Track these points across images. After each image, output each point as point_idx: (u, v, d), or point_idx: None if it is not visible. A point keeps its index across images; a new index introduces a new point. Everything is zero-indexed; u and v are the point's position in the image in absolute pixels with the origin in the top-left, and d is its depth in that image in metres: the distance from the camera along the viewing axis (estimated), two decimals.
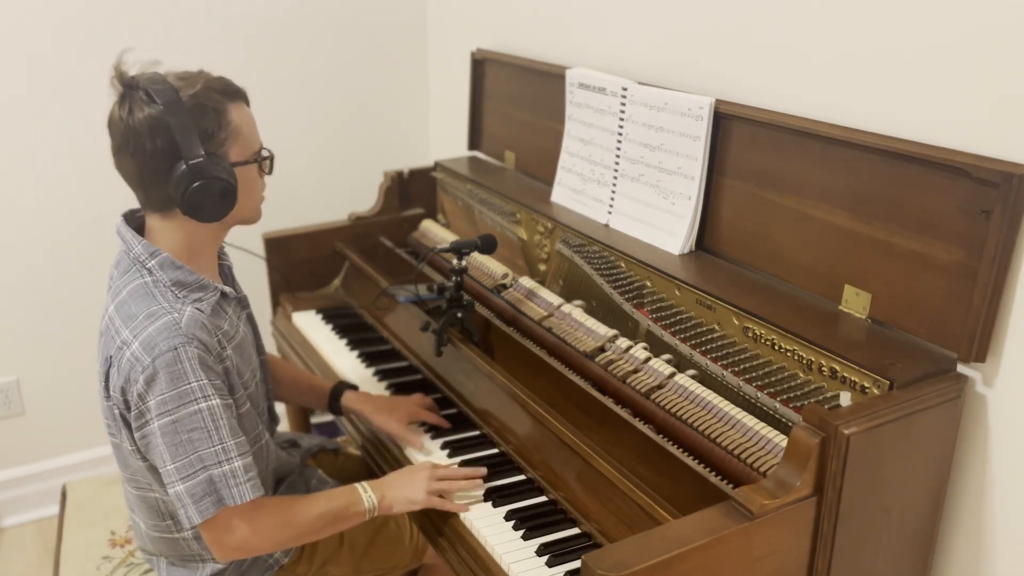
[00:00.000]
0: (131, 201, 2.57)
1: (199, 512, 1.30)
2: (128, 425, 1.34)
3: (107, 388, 1.35)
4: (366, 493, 1.47)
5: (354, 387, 1.83)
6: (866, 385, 1.29)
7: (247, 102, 1.42)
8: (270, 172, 1.45)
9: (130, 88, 1.31)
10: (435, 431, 1.72)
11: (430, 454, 1.66)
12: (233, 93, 1.38)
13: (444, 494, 1.49)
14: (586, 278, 1.83)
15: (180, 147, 1.29)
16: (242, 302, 1.53)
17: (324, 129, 2.76)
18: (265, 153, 1.44)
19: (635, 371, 1.55)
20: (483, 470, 1.56)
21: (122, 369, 1.30)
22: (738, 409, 1.39)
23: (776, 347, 1.43)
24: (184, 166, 1.29)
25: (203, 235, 1.41)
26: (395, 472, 1.54)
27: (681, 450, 1.37)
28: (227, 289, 1.44)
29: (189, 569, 1.52)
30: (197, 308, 1.34)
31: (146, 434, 1.31)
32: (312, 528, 1.43)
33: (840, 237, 1.45)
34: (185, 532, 1.47)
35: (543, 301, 1.81)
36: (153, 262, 1.36)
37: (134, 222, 1.43)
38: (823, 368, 1.35)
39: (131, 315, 1.32)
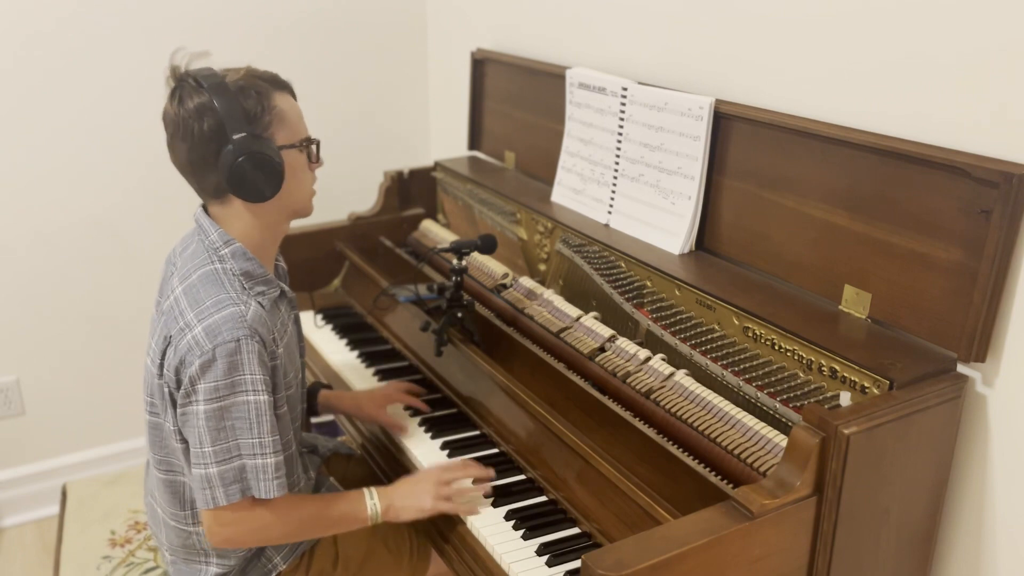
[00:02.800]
0: (133, 203, 2.57)
1: (226, 495, 1.33)
2: (175, 404, 1.37)
3: (161, 366, 1.38)
4: (371, 500, 1.47)
5: (328, 386, 1.85)
6: (866, 385, 1.29)
7: (294, 95, 1.46)
8: (318, 160, 1.48)
9: (181, 81, 1.37)
10: (435, 430, 1.72)
11: (415, 436, 1.67)
12: (279, 84, 1.43)
13: (452, 499, 1.48)
14: (586, 278, 1.83)
15: (225, 126, 1.33)
16: (292, 302, 1.56)
17: (324, 129, 2.73)
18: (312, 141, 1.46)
19: (635, 371, 1.55)
20: (491, 471, 1.55)
21: (179, 350, 1.34)
22: (738, 409, 1.39)
23: (776, 347, 1.43)
24: (229, 144, 1.34)
25: (264, 222, 1.44)
26: (403, 479, 1.53)
27: (681, 450, 1.37)
28: (285, 287, 1.49)
29: (192, 570, 1.52)
30: (259, 303, 1.38)
31: (187, 413, 1.34)
32: (309, 528, 1.45)
33: (840, 237, 1.45)
34: (200, 527, 1.48)
35: (543, 301, 1.81)
36: (226, 250, 1.40)
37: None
38: (823, 368, 1.35)
39: (198, 299, 1.36)
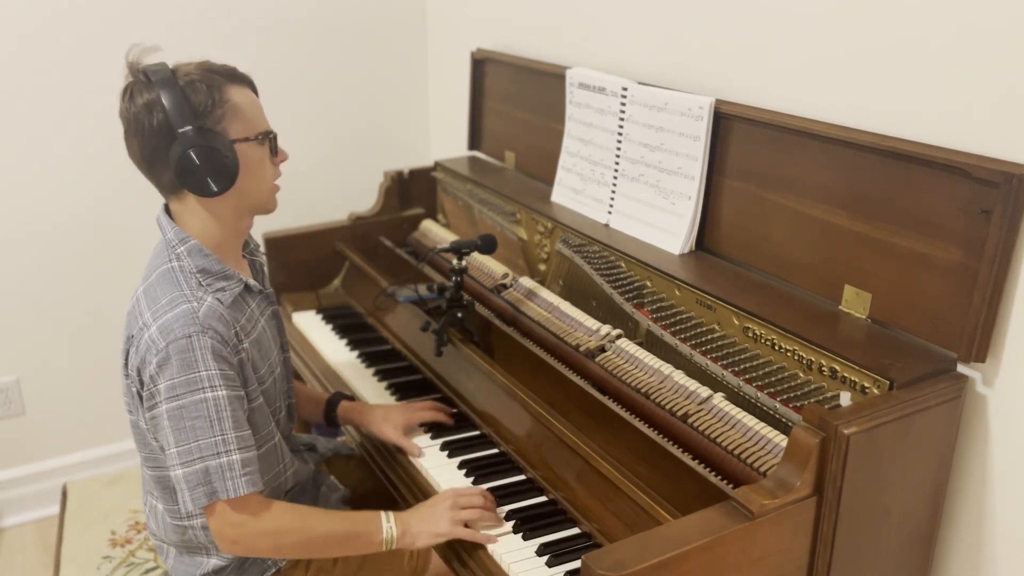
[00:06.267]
0: (132, 202, 2.57)
1: (192, 500, 1.33)
2: (143, 403, 1.38)
3: (126, 367, 1.39)
4: (387, 523, 1.44)
5: (350, 397, 1.82)
6: (866, 385, 1.29)
7: (253, 89, 1.45)
8: (275, 152, 1.47)
9: (133, 77, 1.37)
10: (435, 431, 1.72)
11: (428, 457, 1.66)
12: (235, 76, 1.41)
13: (470, 523, 1.45)
14: (586, 278, 1.83)
15: (172, 121, 1.33)
16: (268, 298, 1.56)
17: (324, 129, 2.76)
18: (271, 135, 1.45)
19: (635, 371, 1.55)
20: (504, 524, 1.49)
21: (140, 350, 1.35)
22: (738, 409, 1.39)
23: (776, 347, 1.43)
24: (176, 138, 1.34)
25: (222, 219, 1.43)
26: (419, 505, 1.50)
27: (681, 450, 1.37)
28: (251, 282, 1.48)
29: (195, 561, 1.52)
30: (217, 299, 1.38)
31: (155, 416, 1.35)
32: (319, 543, 1.42)
33: (840, 237, 1.45)
34: (194, 521, 1.47)
35: (543, 301, 1.81)
36: (182, 248, 1.40)
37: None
38: (823, 368, 1.35)
39: (155, 298, 1.37)
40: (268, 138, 1.44)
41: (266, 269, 1.63)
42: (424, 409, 1.73)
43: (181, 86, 1.34)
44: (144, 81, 1.35)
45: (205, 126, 1.35)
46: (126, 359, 1.39)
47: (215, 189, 1.38)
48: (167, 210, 1.45)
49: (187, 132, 1.33)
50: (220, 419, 1.33)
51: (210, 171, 1.36)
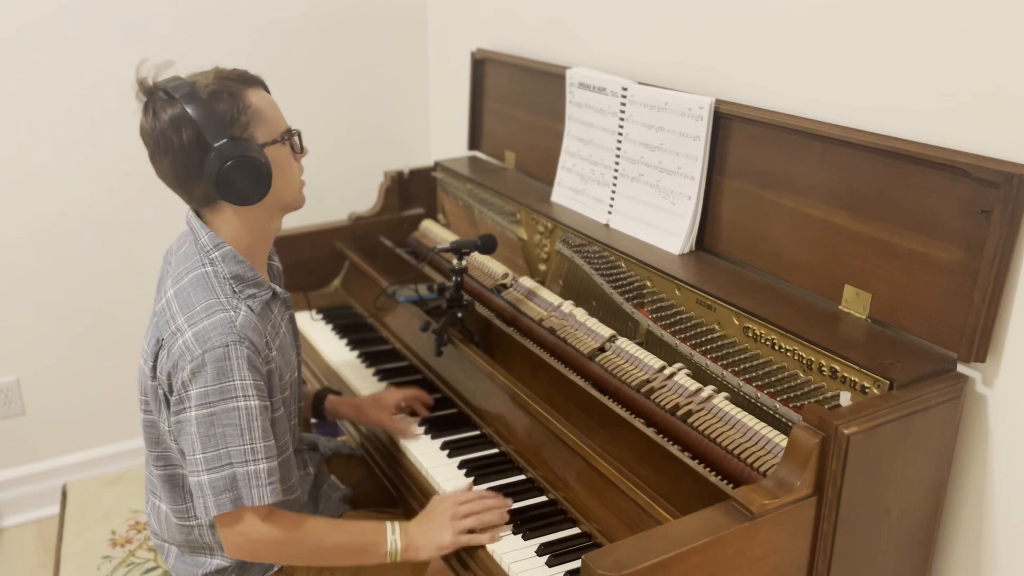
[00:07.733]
0: (132, 201, 2.57)
1: (216, 505, 1.33)
2: (169, 405, 1.37)
3: (154, 368, 1.39)
4: (392, 535, 1.44)
5: (336, 392, 1.84)
6: (866, 385, 1.29)
7: (266, 89, 1.45)
8: (301, 150, 1.47)
9: (151, 94, 1.36)
10: (435, 431, 1.72)
11: (418, 437, 1.68)
12: (249, 80, 1.42)
13: (472, 529, 1.44)
14: (586, 278, 1.83)
15: (204, 134, 1.33)
16: (287, 302, 1.56)
17: (324, 129, 2.76)
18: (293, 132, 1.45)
19: (635, 371, 1.55)
20: (509, 501, 1.49)
21: (172, 355, 1.34)
22: (738, 409, 1.39)
23: (776, 347, 1.43)
24: (212, 152, 1.33)
25: (255, 224, 1.43)
26: (419, 516, 1.49)
27: (681, 450, 1.37)
28: (278, 289, 1.49)
29: (196, 561, 1.53)
30: (249, 306, 1.38)
31: (181, 420, 1.34)
32: (324, 554, 1.42)
33: (840, 237, 1.45)
34: (201, 520, 1.48)
35: (543, 301, 1.81)
36: (217, 253, 1.40)
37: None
38: (823, 368, 1.35)
39: (189, 304, 1.37)
40: (291, 136, 1.45)
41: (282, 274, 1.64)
42: (409, 397, 1.76)
43: (204, 99, 1.34)
44: (166, 97, 1.34)
45: (235, 135, 1.35)
46: (155, 361, 1.38)
47: (256, 197, 1.38)
48: (198, 213, 1.45)
49: (223, 144, 1.33)
50: (251, 428, 1.33)
51: (250, 180, 1.36)
